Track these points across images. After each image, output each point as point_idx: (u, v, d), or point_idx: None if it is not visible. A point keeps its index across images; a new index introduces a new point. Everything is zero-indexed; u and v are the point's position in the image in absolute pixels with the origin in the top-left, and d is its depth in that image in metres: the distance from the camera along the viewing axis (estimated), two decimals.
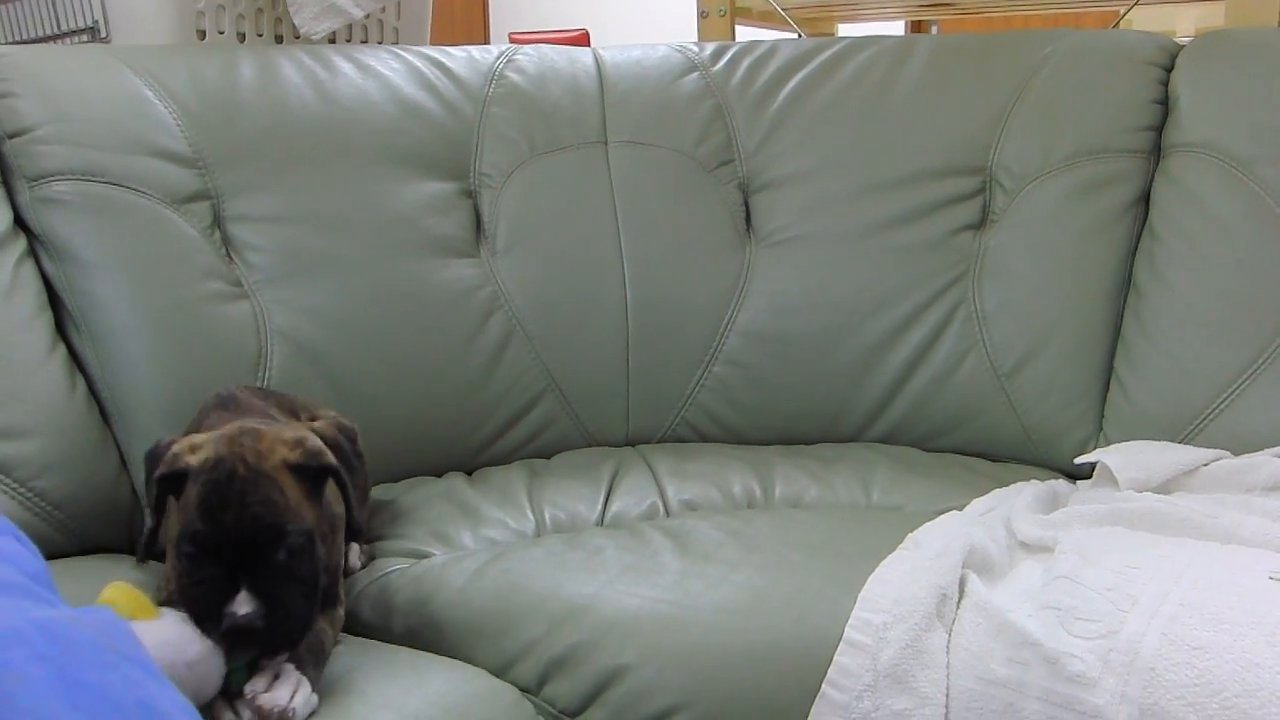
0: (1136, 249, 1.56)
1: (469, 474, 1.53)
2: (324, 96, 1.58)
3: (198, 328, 1.39)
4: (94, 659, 0.64)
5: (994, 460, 1.55)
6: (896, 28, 3.48)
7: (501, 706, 1.06)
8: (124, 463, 1.35)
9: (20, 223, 1.39)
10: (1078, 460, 1.47)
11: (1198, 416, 1.43)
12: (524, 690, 1.11)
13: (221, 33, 1.76)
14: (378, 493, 1.43)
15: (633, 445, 1.62)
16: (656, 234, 1.67)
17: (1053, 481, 1.42)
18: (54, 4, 1.75)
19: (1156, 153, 1.58)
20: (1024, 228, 1.58)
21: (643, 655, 1.08)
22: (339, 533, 1.09)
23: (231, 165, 1.48)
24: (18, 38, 1.81)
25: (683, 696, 1.06)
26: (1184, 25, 2.35)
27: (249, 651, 0.92)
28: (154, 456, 1.01)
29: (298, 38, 1.83)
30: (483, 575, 1.20)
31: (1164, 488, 1.33)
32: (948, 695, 1.01)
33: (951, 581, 1.08)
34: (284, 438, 0.99)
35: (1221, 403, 1.42)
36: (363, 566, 1.26)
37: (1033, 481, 1.40)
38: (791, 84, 1.72)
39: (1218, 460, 1.36)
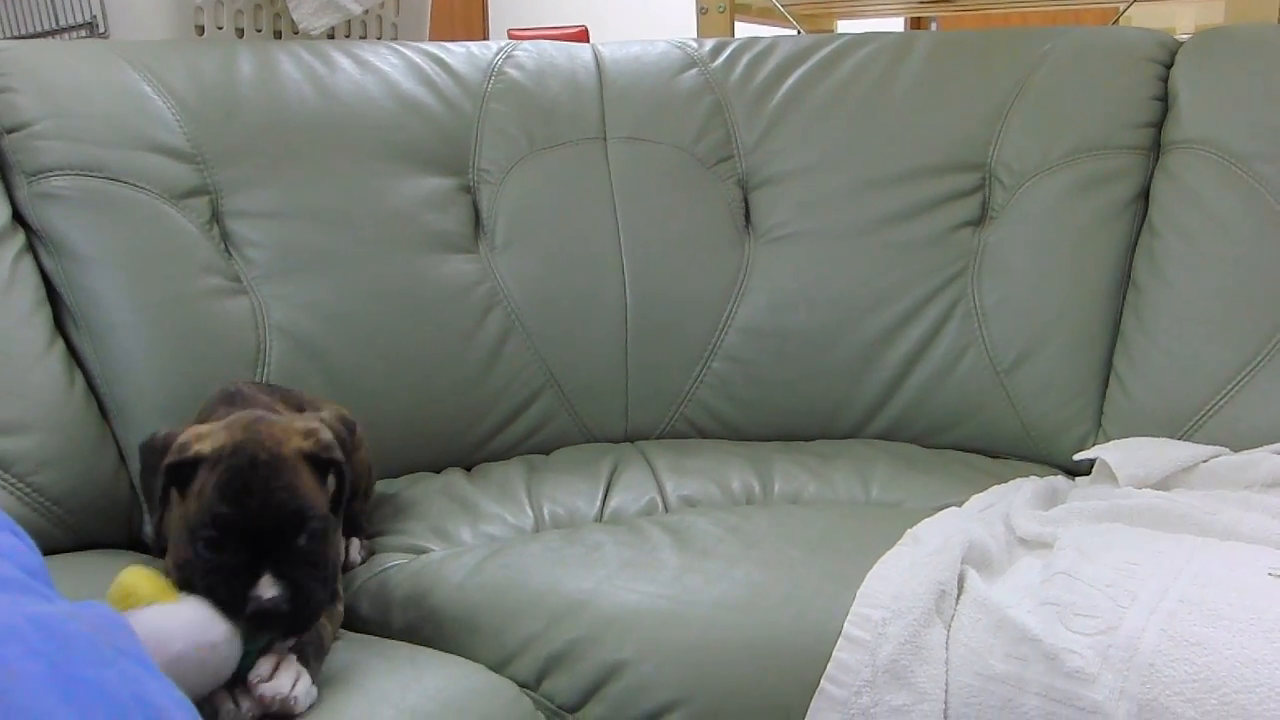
0: (1136, 245, 1.56)
1: (468, 469, 1.53)
2: (323, 92, 1.58)
3: (196, 323, 1.39)
4: (90, 654, 0.64)
5: (993, 456, 1.55)
6: (896, 24, 3.48)
7: (500, 702, 1.06)
8: (122, 458, 1.35)
9: (19, 218, 1.39)
10: (1077, 457, 1.47)
11: (1197, 413, 1.43)
12: (523, 685, 1.11)
13: (220, 28, 1.76)
14: (376, 488, 1.43)
15: (631, 441, 1.62)
16: (656, 230, 1.66)
17: (1052, 478, 1.42)
18: None
19: (1156, 149, 1.58)
20: (1023, 224, 1.58)
21: (641, 650, 1.08)
22: (339, 527, 1.09)
23: (230, 161, 1.48)
24: (16, 33, 1.81)
25: (681, 692, 1.06)
26: (1183, 22, 2.35)
27: (271, 635, 0.94)
28: (151, 448, 1.01)
29: (296, 33, 1.82)
30: (481, 571, 1.20)
31: (1163, 484, 1.33)
32: (947, 691, 1.01)
33: (950, 577, 1.08)
34: (296, 427, 1.01)
35: (1221, 399, 1.42)
36: (363, 561, 1.26)
37: (1032, 478, 1.40)
38: (791, 80, 1.72)
39: (1217, 457, 1.36)
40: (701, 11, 2.33)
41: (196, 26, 1.74)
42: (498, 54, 1.73)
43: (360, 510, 1.30)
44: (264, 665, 0.93)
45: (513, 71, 1.71)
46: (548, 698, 1.10)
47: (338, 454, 1.02)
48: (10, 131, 1.40)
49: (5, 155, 1.40)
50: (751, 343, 1.62)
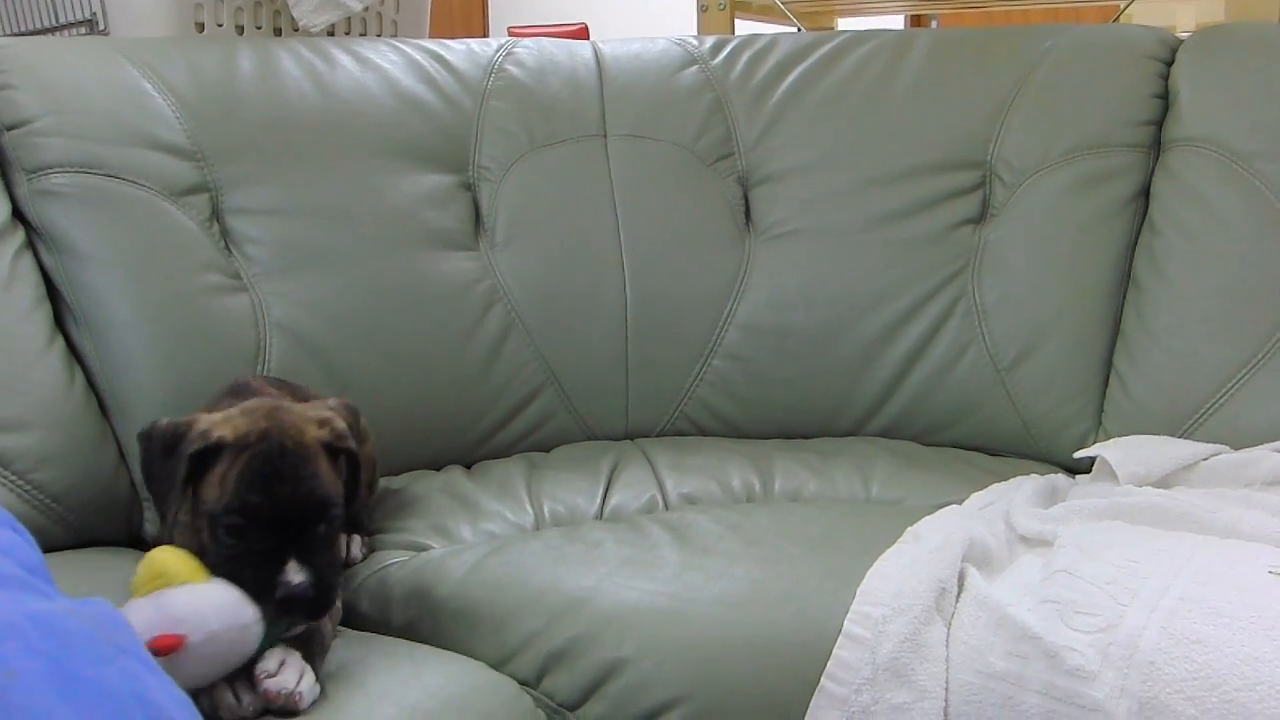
0: (1136, 243, 1.56)
1: (468, 467, 1.53)
2: (323, 89, 1.58)
3: (196, 320, 1.39)
4: (90, 652, 0.64)
5: (993, 454, 1.55)
6: (896, 22, 3.48)
7: (500, 699, 1.06)
8: (122, 455, 1.34)
9: (19, 215, 1.39)
10: (1077, 454, 1.47)
11: (1197, 411, 1.43)
12: (523, 683, 1.11)
13: (220, 25, 1.76)
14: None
15: (632, 439, 1.62)
16: (656, 228, 1.66)
17: (1052, 476, 1.42)
18: None
19: (1156, 147, 1.58)
20: (1024, 222, 1.58)
21: (642, 648, 1.08)
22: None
23: (230, 158, 1.48)
24: (16, 30, 1.81)
25: (682, 689, 1.05)
26: (1184, 20, 2.35)
27: (295, 619, 0.95)
28: (152, 436, 1.02)
29: (296, 30, 1.82)
30: (482, 568, 1.20)
31: (1163, 482, 1.33)
32: (947, 689, 1.01)
33: (951, 575, 1.08)
34: (310, 416, 1.02)
35: (1221, 397, 1.42)
36: (363, 558, 1.26)
37: (1032, 476, 1.40)
38: (791, 78, 1.72)
39: (1217, 455, 1.36)
40: (702, 9, 2.33)
41: (196, 24, 1.74)
42: (498, 51, 1.73)
43: (362, 506, 1.31)
44: (270, 661, 0.93)
45: (513, 69, 1.71)
46: (548, 695, 1.10)
47: (351, 442, 1.03)
48: (10, 129, 1.39)
49: (5, 152, 1.40)
50: (752, 340, 1.62)
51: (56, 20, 1.77)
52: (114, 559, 1.26)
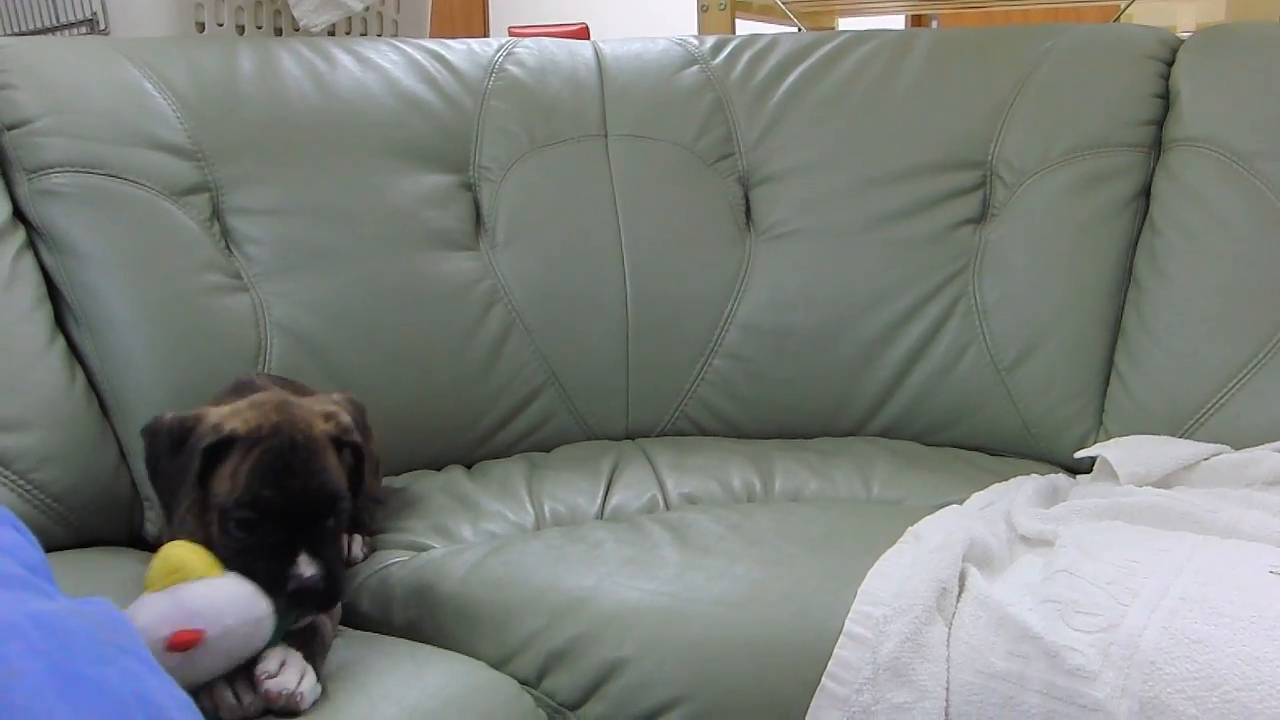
0: (1137, 243, 1.56)
1: (468, 467, 1.53)
2: (323, 89, 1.58)
3: (197, 320, 1.39)
4: (91, 652, 0.64)
5: (994, 454, 1.55)
6: (897, 22, 3.48)
7: (501, 699, 1.06)
8: (123, 455, 1.34)
9: (19, 215, 1.39)
10: (1078, 454, 1.47)
11: (1198, 411, 1.43)
12: (523, 683, 1.11)
13: (220, 25, 1.76)
14: None
15: (632, 439, 1.62)
16: (656, 228, 1.66)
17: (1053, 476, 1.42)
18: None
19: (1157, 147, 1.58)
20: (1024, 222, 1.58)
21: (642, 648, 1.08)
22: None
23: (231, 157, 1.48)
24: (17, 29, 1.81)
25: (682, 689, 1.05)
26: (1185, 20, 2.35)
27: (307, 611, 0.96)
28: (158, 431, 1.01)
29: (297, 30, 1.82)
30: (482, 568, 1.20)
31: (1164, 482, 1.33)
32: (948, 689, 1.01)
33: (951, 575, 1.08)
34: (317, 410, 1.03)
35: (1222, 397, 1.42)
36: (364, 558, 1.26)
37: (1033, 476, 1.40)
38: (792, 78, 1.72)
39: (1218, 455, 1.36)
40: (702, 9, 2.33)
41: (197, 23, 1.74)
42: (499, 51, 1.73)
43: (365, 503, 1.30)
44: (270, 662, 0.93)
45: (514, 69, 1.71)
46: (548, 695, 1.10)
47: (357, 436, 1.04)
48: (11, 128, 1.39)
49: (6, 152, 1.40)
50: (752, 340, 1.62)
51: (57, 20, 1.77)
52: (115, 559, 1.26)
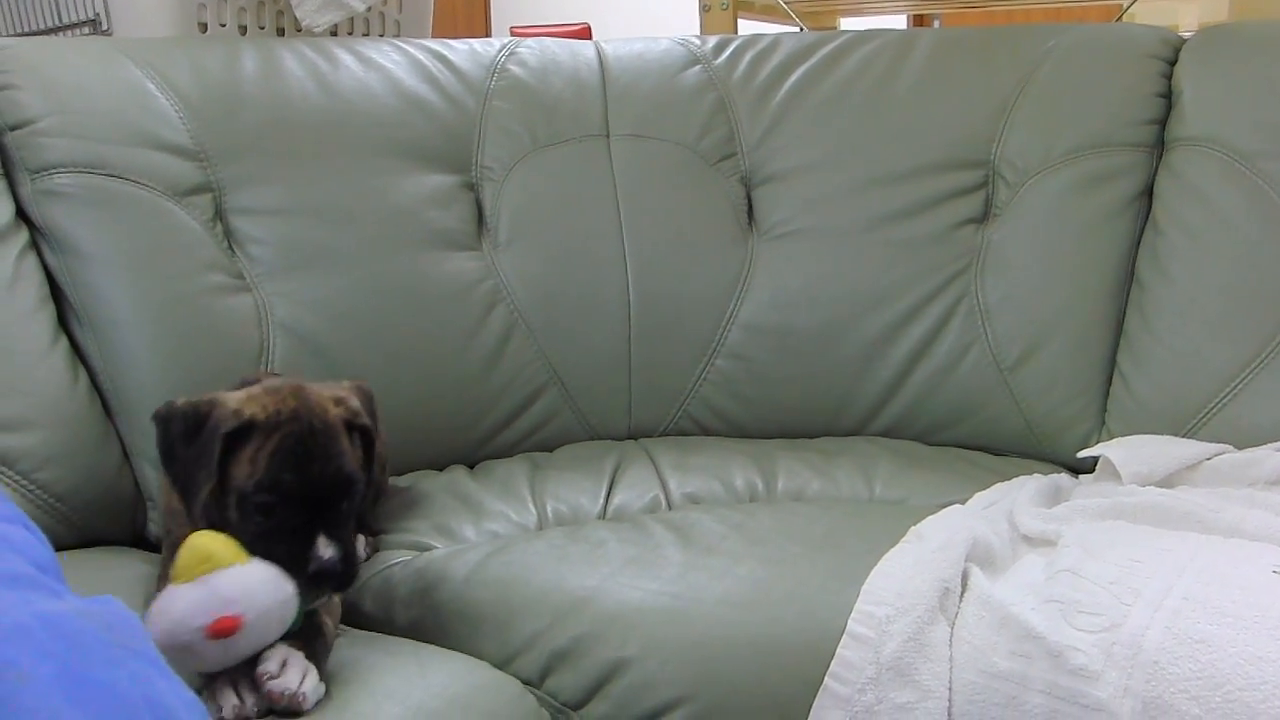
0: (1139, 243, 1.56)
1: (471, 467, 1.53)
2: (326, 89, 1.58)
3: (199, 320, 1.39)
4: (100, 655, 0.64)
5: (996, 454, 1.55)
6: (898, 22, 3.48)
7: (504, 699, 1.06)
8: (126, 455, 1.35)
9: (22, 215, 1.39)
10: (1080, 454, 1.47)
11: (1201, 410, 1.43)
12: (526, 682, 1.11)
13: (223, 25, 1.76)
14: None
15: (635, 438, 1.62)
16: (659, 227, 1.66)
17: (1055, 475, 1.42)
18: None
19: (1159, 147, 1.58)
20: (1027, 221, 1.58)
21: (645, 648, 1.08)
22: None
23: (233, 158, 1.48)
24: (19, 30, 1.81)
25: (685, 689, 1.06)
26: (1187, 19, 2.34)
27: (324, 592, 0.99)
28: (171, 417, 1.02)
29: (299, 30, 1.83)
30: (485, 568, 1.20)
31: (1167, 482, 1.33)
32: (950, 688, 1.01)
33: (954, 575, 1.08)
34: (328, 395, 1.04)
35: (1225, 397, 1.42)
36: (367, 558, 1.26)
37: (1035, 475, 1.40)
38: (794, 77, 1.72)
39: (1221, 454, 1.36)
40: (704, 9, 2.33)
41: (199, 24, 1.74)
42: (501, 51, 1.73)
43: (368, 506, 1.31)
44: (271, 662, 0.93)
45: (515, 69, 1.71)
46: (551, 695, 1.10)
47: (366, 419, 1.06)
48: (14, 129, 1.39)
49: (9, 152, 1.40)
50: (754, 340, 1.62)
51: (60, 20, 1.77)
52: (118, 559, 1.26)
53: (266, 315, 1.43)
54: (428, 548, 1.28)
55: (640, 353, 1.63)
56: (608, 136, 1.70)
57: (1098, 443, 1.47)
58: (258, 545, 0.96)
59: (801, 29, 2.34)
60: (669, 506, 1.39)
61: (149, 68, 1.49)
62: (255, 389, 1.03)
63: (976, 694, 1.00)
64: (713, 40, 1.79)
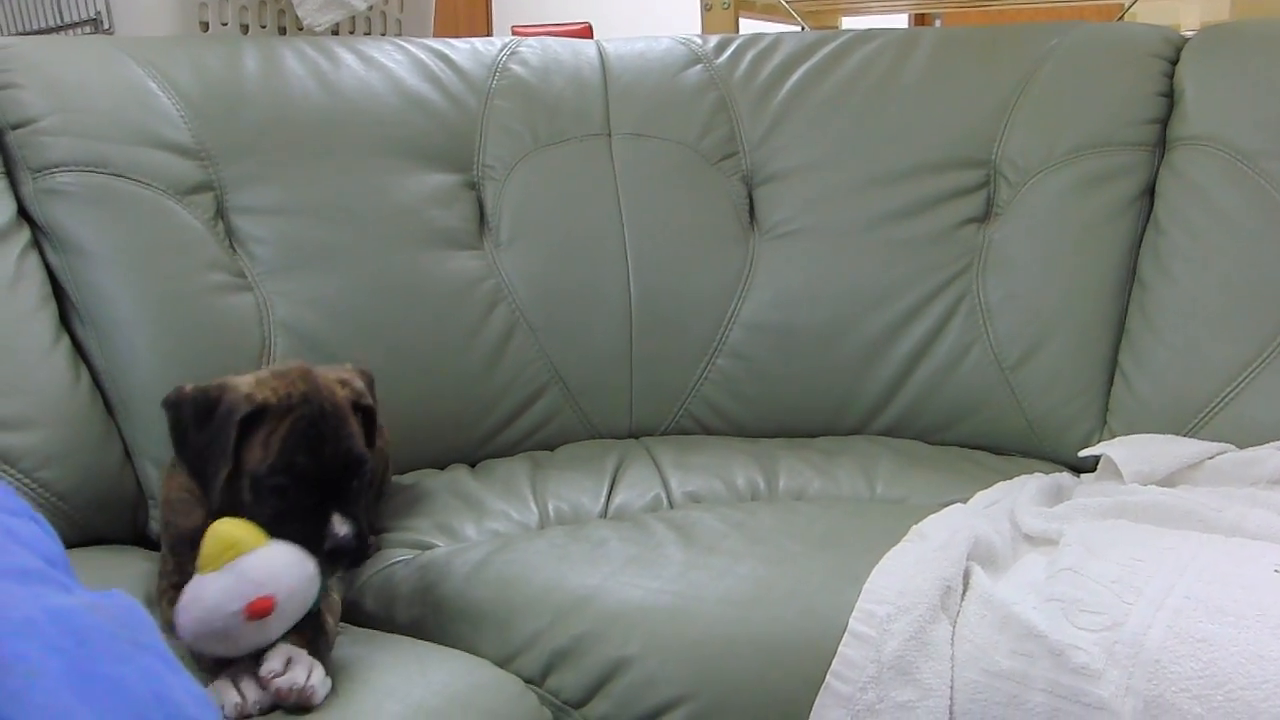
0: (1141, 242, 1.55)
1: (472, 466, 1.53)
2: (327, 88, 1.58)
3: (201, 319, 1.39)
4: (109, 650, 0.64)
5: (998, 453, 1.55)
6: (900, 21, 3.48)
7: (505, 697, 1.06)
8: (127, 453, 1.35)
9: (24, 214, 1.39)
10: (1082, 453, 1.47)
11: (1202, 409, 1.43)
12: (528, 681, 1.11)
13: (224, 24, 1.76)
14: None
15: (636, 437, 1.62)
16: (660, 227, 1.66)
17: (1057, 474, 1.42)
18: None
19: (1161, 146, 1.58)
20: (1028, 220, 1.58)
21: (646, 647, 1.08)
22: None
23: (234, 157, 1.48)
24: (21, 29, 1.81)
25: (686, 688, 1.06)
26: (1189, 19, 2.34)
27: (339, 569, 1.02)
28: (181, 403, 1.03)
29: (301, 29, 1.83)
30: (486, 567, 1.20)
31: (1168, 481, 1.33)
32: (952, 687, 1.00)
33: (956, 573, 1.08)
34: (333, 378, 1.06)
35: (1226, 396, 1.42)
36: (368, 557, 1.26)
37: (1037, 474, 1.40)
38: (795, 77, 1.72)
39: (1223, 453, 1.36)
40: (706, 8, 2.33)
41: (201, 23, 1.74)
42: (502, 50, 1.73)
43: (369, 504, 1.31)
44: (276, 660, 0.93)
45: (517, 68, 1.71)
46: (553, 693, 1.10)
47: (369, 399, 1.08)
48: (15, 127, 1.39)
49: (10, 151, 1.40)
50: (756, 339, 1.62)
51: (61, 20, 1.77)
52: (120, 557, 1.26)
53: (268, 314, 1.43)
54: (429, 546, 1.28)
55: (641, 351, 1.63)
56: (609, 136, 1.70)
57: (1099, 442, 1.47)
58: (273, 527, 0.98)
59: (803, 28, 2.33)
60: (670, 505, 1.39)
61: (150, 67, 1.49)
62: (263, 373, 1.04)
63: (978, 693, 1.00)
64: (714, 39, 1.79)
